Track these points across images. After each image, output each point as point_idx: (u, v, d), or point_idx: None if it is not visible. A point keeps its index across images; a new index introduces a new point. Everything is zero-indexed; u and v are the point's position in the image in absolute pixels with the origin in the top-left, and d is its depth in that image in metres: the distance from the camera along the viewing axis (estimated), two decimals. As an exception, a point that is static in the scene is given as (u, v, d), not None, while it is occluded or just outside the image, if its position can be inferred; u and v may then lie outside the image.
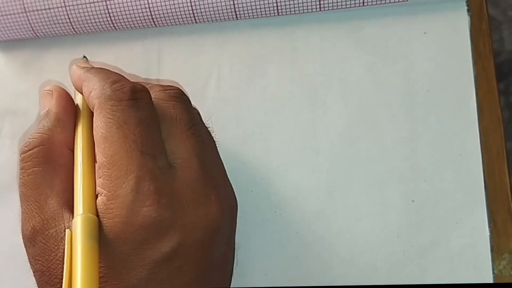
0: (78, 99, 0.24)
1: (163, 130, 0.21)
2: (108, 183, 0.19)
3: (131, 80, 0.22)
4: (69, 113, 0.23)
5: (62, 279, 0.18)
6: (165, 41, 0.30)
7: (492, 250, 0.26)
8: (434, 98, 0.27)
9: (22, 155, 0.21)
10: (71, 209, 0.20)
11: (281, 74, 0.29)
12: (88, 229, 0.18)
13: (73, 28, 0.29)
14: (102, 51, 0.31)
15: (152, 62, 0.30)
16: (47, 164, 0.21)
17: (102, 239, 0.19)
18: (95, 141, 0.20)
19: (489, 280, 0.26)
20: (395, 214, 0.27)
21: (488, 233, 0.26)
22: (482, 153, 0.27)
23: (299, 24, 0.29)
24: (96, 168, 0.20)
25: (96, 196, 0.20)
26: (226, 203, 0.21)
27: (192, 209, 0.20)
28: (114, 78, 0.21)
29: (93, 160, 0.21)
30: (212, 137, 0.24)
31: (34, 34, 0.30)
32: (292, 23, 0.29)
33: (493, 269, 0.26)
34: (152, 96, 0.22)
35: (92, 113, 0.22)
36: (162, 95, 0.22)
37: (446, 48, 0.28)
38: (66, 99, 0.23)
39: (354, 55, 0.28)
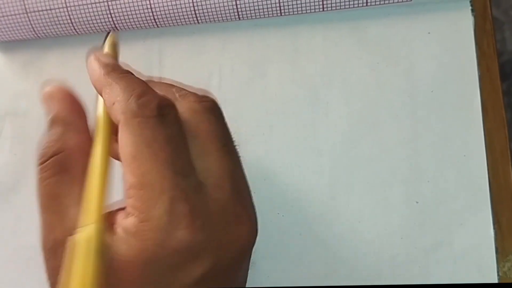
0: (100, 105, 0.22)
1: (196, 146, 0.20)
2: (139, 204, 0.18)
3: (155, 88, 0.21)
4: (78, 114, 0.22)
5: None
6: (166, 42, 0.30)
7: (496, 252, 0.26)
8: (437, 98, 0.27)
9: (39, 167, 0.20)
10: None
11: (283, 75, 0.29)
12: (90, 241, 0.17)
13: (75, 29, 0.29)
14: (104, 52, 0.30)
15: (153, 62, 0.30)
16: (64, 173, 0.20)
17: (132, 260, 0.18)
18: (122, 159, 0.19)
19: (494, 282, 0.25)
20: (398, 215, 0.26)
21: (493, 235, 0.26)
22: (486, 153, 0.27)
23: (302, 24, 0.29)
24: (125, 188, 0.19)
25: (127, 216, 0.19)
26: (254, 224, 0.20)
27: (224, 231, 0.19)
28: (139, 91, 0.20)
29: (108, 171, 0.20)
30: (238, 153, 0.22)
31: (35, 35, 0.30)
32: (295, 23, 0.29)
33: (497, 271, 0.26)
34: (186, 107, 0.21)
35: (111, 120, 0.21)
36: (197, 107, 0.21)
37: (450, 48, 0.28)
38: (71, 99, 0.22)
39: (356, 55, 0.28)
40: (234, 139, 0.22)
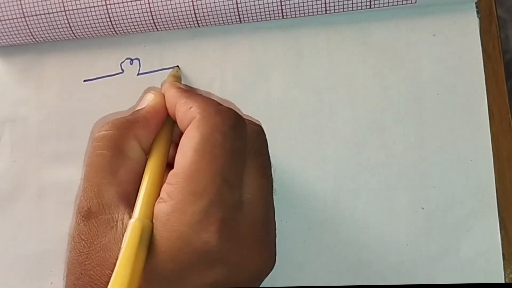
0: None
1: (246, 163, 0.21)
2: (179, 194, 0.18)
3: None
4: (158, 118, 0.23)
5: (94, 265, 0.19)
6: (167, 46, 0.29)
7: (503, 258, 0.26)
8: (443, 102, 0.27)
9: (97, 134, 0.21)
10: (128, 201, 0.20)
11: (286, 79, 0.28)
12: (140, 235, 0.18)
13: (73, 33, 0.29)
14: (103, 56, 0.30)
15: (154, 67, 0.29)
16: (116, 151, 0.21)
17: (152, 247, 0.18)
18: (181, 148, 0.20)
19: (501, 289, 0.25)
20: (404, 222, 0.26)
21: (500, 241, 0.26)
22: (493, 158, 0.26)
23: (304, 27, 0.28)
24: (170, 173, 0.19)
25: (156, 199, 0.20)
26: (274, 254, 0.21)
27: (249, 250, 0.19)
28: (216, 102, 0.21)
29: (164, 168, 0.22)
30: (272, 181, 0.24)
31: (33, 39, 0.29)
32: (297, 26, 0.29)
33: (504, 278, 0.25)
34: None
35: (173, 126, 0.22)
36: (248, 130, 0.22)
37: (456, 50, 0.27)
38: (163, 107, 0.23)
39: (360, 58, 0.28)
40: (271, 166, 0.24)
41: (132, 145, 0.21)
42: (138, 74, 0.29)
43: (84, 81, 0.30)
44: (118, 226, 0.19)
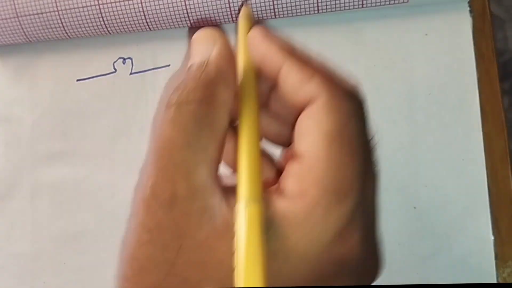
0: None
1: None
2: (318, 192, 0.15)
3: None
4: (233, 70, 0.18)
5: (190, 264, 0.15)
6: (160, 45, 0.29)
7: (496, 258, 0.25)
8: (435, 102, 0.27)
9: (173, 101, 0.17)
10: (220, 183, 0.16)
11: (279, 78, 0.28)
12: (259, 220, 0.15)
13: (66, 33, 0.29)
14: (96, 56, 0.30)
15: (147, 66, 0.29)
16: (204, 125, 0.16)
17: (282, 251, 0.15)
18: (308, 133, 0.16)
19: (493, 289, 0.25)
20: (395, 221, 0.26)
21: (492, 240, 0.25)
22: (485, 158, 0.26)
23: (297, 27, 0.28)
24: (296, 164, 0.16)
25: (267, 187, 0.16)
26: None
27: (374, 256, 0.18)
28: (341, 77, 0.18)
29: (260, 139, 0.18)
30: None
31: (27, 39, 0.29)
32: (290, 26, 0.28)
33: (497, 277, 0.25)
34: None
35: (256, 82, 0.18)
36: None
37: (448, 50, 0.27)
38: (231, 53, 0.18)
39: (353, 58, 0.28)
40: None
41: (221, 115, 0.17)
42: (130, 74, 0.30)
43: (77, 80, 0.30)
44: (217, 216, 0.15)
